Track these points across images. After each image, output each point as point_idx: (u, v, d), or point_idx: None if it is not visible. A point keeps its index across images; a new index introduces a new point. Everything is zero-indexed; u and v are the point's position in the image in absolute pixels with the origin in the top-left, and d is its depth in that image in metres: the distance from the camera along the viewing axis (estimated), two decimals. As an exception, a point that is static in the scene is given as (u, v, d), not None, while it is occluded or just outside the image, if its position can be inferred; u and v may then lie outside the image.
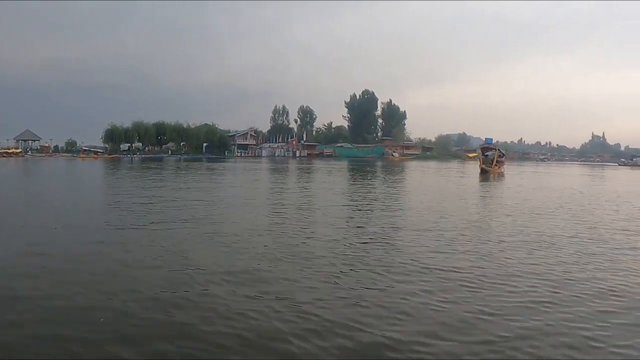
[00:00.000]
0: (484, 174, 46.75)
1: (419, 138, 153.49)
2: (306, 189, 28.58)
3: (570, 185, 36.08)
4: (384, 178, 41.30)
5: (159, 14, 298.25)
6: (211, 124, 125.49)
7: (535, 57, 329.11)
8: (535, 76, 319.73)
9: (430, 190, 28.58)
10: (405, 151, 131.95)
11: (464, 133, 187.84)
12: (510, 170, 60.82)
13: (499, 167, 51.48)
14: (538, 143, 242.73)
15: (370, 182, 34.82)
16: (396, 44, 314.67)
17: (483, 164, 50.69)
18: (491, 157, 51.46)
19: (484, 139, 63.17)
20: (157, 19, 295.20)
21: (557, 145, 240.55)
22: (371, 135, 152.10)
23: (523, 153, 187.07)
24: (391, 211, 18.00)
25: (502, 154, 55.90)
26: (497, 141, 78.68)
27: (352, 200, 22.11)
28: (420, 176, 46.12)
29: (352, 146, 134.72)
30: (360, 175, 44.28)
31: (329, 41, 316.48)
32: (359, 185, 31.58)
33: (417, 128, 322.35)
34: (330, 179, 38.25)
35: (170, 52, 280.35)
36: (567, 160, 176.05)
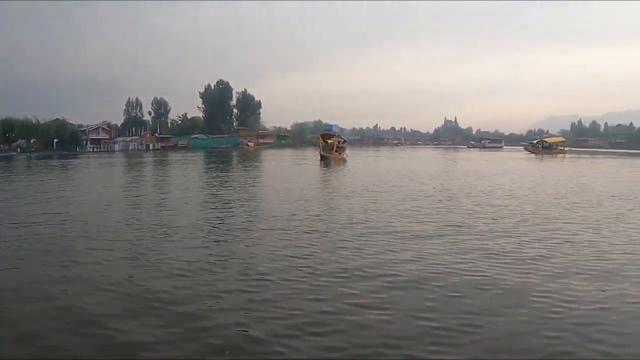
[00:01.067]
0: (325, 160, 47.82)
1: (275, 127, 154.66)
2: (157, 185, 27.62)
3: (396, 167, 38.53)
4: (227, 169, 41.21)
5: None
6: (62, 119, 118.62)
7: (392, 45, 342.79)
8: (390, 64, 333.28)
9: (266, 179, 29.29)
10: (260, 140, 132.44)
11: (320, 120, 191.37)
12: (357, 156, 63.03)
13: (339, 154, 52.82)
14: (393, 128, 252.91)
15: (210, 174, 34.73)
16: (255, 33, 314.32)
17: (323, 150, 51.40)
18: (331, 144, 52.53)
19: (325, 126, 64.35)
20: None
21: (412, 130, 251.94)
22: (227, 125, 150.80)
23: (378, 138, 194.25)
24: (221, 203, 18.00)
25: (342, 141, 57.67)
26: (342, 127, 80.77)
27: (200, 194, 21.92)
28: (263, 165, 46.92)
29: (207, 137, 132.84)
30: (205, 167, 44.17)
31: (189, 31, 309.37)
32: (204, 180, 31.22)
33: (276, 117, 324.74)
34: (178, 173, 37.33)
35: (17, 42, 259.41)
36: (421, 144, 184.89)
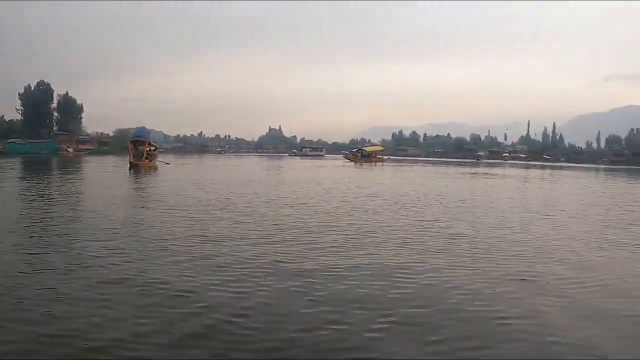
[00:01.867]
0: (134, 168, 45.48)
1: (97, 132, 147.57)
2: None
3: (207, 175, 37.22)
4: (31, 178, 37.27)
5: None
6: None
7: (218, 53, 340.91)
8: (217, 72, 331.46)
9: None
10: (81, 146, 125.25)
11: (144, 127, 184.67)
12: (181, 165, 61.01)
13: (150, 161, 50.74)
14: (217, 136, 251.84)
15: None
16: (81, 34, 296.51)
17: (133, 158, 49.03)
18: (141, 151, 50.33)
19: (136, 133, 61.68)
20: None
21: (236, 138, 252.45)
22: (47, 129, 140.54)
23: (202, 146, 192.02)
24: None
25: (154, 148, 55.58)
26: (167, 135, 77.92)
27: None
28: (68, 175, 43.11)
29: (25, 142, 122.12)
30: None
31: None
32: None
33: (101, 123, 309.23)
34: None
35: None
36: (244, 152, 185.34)
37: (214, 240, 11.41)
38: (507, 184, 37.65)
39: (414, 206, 19.39)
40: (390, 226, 14.24)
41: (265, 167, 62.89)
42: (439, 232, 13.31)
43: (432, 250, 10.91)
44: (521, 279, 8.62)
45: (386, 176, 45.16)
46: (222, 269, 8.85)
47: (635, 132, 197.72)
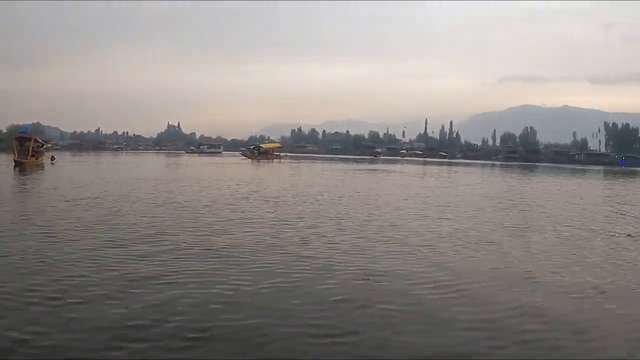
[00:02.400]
0: (20, 166, 42.94)
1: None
2: None
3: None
4: None
5: None
6: None
7: (121, 47, 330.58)
8: (118, 67, 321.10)
9: None
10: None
11: (39, 123, 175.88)
12: (77, 162, 58.38)
13: (36, 158, 48.26)
14: (115, 133, 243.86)
15: None
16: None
17: (18, 155, 46.40)
18: (27, 148, 47.63)
19: (20, 129, 58.44)
20: None
21: (134, 134, 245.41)
22: None
23: (99, 142, 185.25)
24: None
25: (40, 144, 52.76)
26: (63, 131, 74.39)
27: None
28: None
29: None
30: None
31: None
32: None
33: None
34: None
35: None
36: (142, 149, 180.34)
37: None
38: (392, 179, 38.35)
39: (284, 202, 19.31)
40: (249, 221, 14.43)
41: (157, 164, 61.27)
42: (294, 228, 13.35)
43: (272, 245, 10.93)
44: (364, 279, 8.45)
45: (274, 173, 45.12)
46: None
47: (529, 129, 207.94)
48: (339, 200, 20.87)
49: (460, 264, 9.73)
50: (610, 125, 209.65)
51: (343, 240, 11.72)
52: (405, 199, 22.29)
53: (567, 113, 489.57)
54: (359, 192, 24.95)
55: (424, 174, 51.45)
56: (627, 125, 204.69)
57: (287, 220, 14.65)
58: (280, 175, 41.48)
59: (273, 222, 14.30)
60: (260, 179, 35.40)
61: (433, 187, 31.15)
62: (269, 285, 7.82)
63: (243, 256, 9.77)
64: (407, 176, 44.85)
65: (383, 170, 56.04)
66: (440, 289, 7.91)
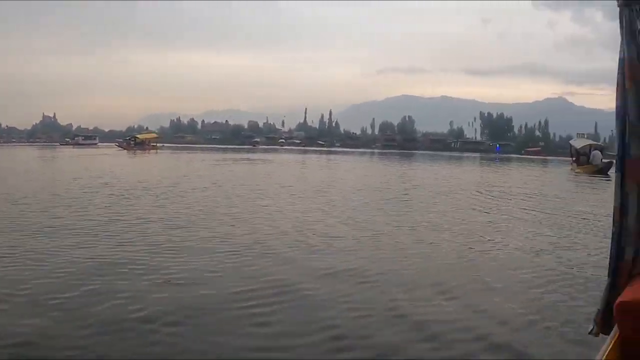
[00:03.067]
0: None
1: None
2: None
3: None
4: None
5: None
6: None
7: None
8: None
9: None
10: None
11: None
12: None
13: None
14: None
15: None
16: None
17: None
18: None
19: None
20: None
21: (7, 126, 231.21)
22: None
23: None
24: None
25: None
26: None
27: None
28: None
29: None
30: None
31: None
32: None
33: None
34: None
35: None
36: (15, 142, 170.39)
37: None
38: (258, 169, 38.27)
39: (128, 196, 18.60)
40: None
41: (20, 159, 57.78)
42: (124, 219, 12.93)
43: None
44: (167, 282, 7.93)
45: (142, 165, 44.10)
46: None
47: (407, 119, 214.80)
48: (196, 191, 20.41)
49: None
50: (486, 114, 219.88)
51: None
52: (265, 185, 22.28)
53: (444, 103, 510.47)
54: (216, 183, 24.66)
55: (287, 163, 52.02)
56: (502, 114, 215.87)
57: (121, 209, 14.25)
58: (143, 166, 40.49)
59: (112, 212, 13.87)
60: (120, 170, 34.27)
61: (289, 174, 31.44)
62: None
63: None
64: (272, 165, 45.20)
65: (259, 159, 56.04)
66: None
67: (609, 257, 2.73)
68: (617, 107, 2.63)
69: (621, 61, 2.57)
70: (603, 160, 39.52)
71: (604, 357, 2.07)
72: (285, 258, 9.19)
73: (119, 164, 43.88)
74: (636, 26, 2.51)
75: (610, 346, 2.18)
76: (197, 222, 12.90)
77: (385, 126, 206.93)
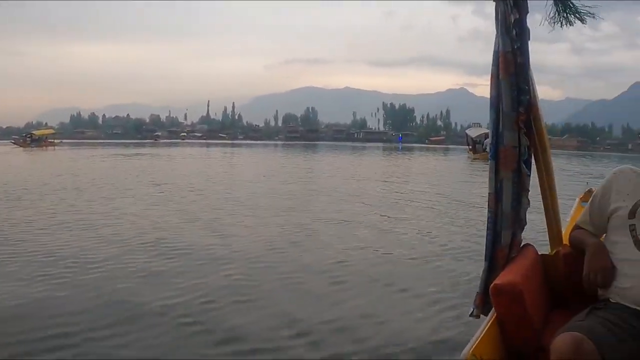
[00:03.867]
0: None
1: None
2: None
3: None
4: None
5: None
6: None
7: None
8: None
9: None
10: None
11: None
12: None
13: None
14: None
15: None
16: None
17: None
18: None
19: None
20: None
21: None
22: None
23: None
24: None
25: None
26: None
27: None
28: None
29: None
30: None
31: None
32: None
33: None
34: None
35: None
36: None
37: None
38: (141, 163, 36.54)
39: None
40: None
41: None
42: None
43: None
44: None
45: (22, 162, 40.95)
46: None
47: (310, 110, 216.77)
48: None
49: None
50: (388, 105, 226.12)
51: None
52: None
53: (348, 94, 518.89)
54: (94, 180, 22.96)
55: (186, 156, 50.51)
56: (404, 105, 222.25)
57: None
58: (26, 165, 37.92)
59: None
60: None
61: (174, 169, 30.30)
62: None
63: None
64: (165, 159, 43.56)
65: (154, 154, 53.83)
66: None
67: (485, 242, 2.81)
68: (491, 97, 2.76)
69: (495, 53, 2.70)
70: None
71: (481, 335, 2.15)
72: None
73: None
74: (510, 20, 2.63)
75: (488, 326, 2.29)
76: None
77: (289, 118, 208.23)
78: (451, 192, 18.35)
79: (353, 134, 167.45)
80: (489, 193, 2.79)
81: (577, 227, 2.71)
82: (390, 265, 8.00)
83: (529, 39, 2.73)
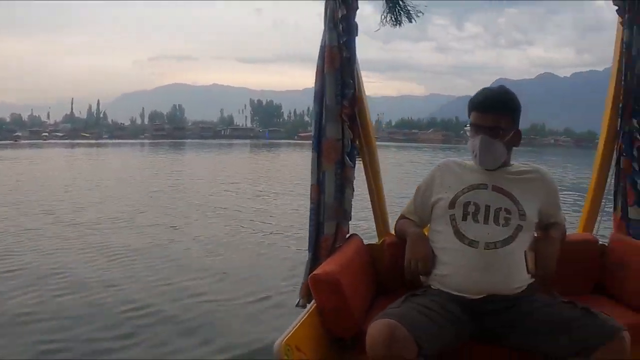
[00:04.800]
0: None
1: None
2: None
3: None
4: None
5: None
6: None
7: None
8: None
9: None
10: None
11: None
12: None
13: None
14: None
15: None
16: None
17: None
18: None
19: None
20: None
21: None
22: None
23: None
24: None
25: None
26: None
27: None
28: None
29: None
30: None
31: None
32: None
33: None
34: None
35: None
36: None
37: None
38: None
39: None
40: None
41: None
42: None
43: None
44: None
45: None
46: None
47: (177, 107, 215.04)
48: None
49: None
50: (256, 101, 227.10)
51: None
52: None
53: (216, 90, 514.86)
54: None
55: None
56: (272, 101, 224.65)
57: None
58: None
59: None
60: None
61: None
62: None
63: None
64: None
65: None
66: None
67: (308, 233, 2.84)
68: (315, 91, 2.79)
69: (322, 48, 2.74)
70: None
71: (297, 325, 2.18)
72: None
73: None
74: (338, 15, 2.69)
75: (306, 315, 2.31)
76: None
77: (155, 116, 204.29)
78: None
79: (220, 131, 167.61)
80: (311, 184, 2.83)
81: (402, 217, 2.76)
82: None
83: (357, 35, 2.82)
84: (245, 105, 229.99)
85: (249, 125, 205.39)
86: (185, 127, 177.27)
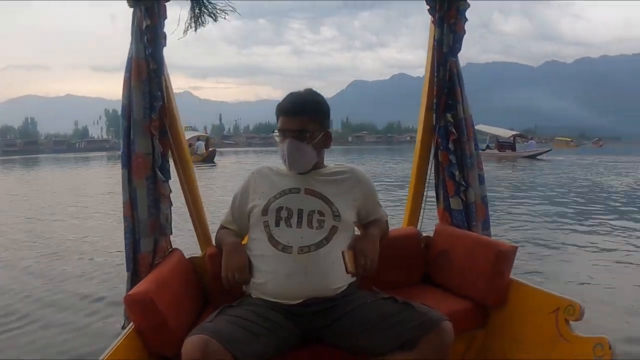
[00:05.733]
0: None
1: None
2: None
3: None
4: None
5: None
6: None
7: None
8: None
9: None
10: None
11: None
12: None
13: None
14: None
15: None
16: None
17: None
18: None
19: None
20: None
21: None
22: None
23: None
24: None
25: None
26: None
27: None
28: None
29: None
30: None
31: None
32: None
33: None
34: None
35: None
36: None
37: None
38: None
39: None
40: None
41: None
42: None
43: None
44: None
45: None
46: None
47: (29, 120, 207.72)
48: None
49: None
50: (111, 111, 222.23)
51: None
52: None
53: (70, 101, 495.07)
54: None
55: None
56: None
57: None
58: None
59: None
60: None
61: None
62: None
63: None
64: None
65: None
66: None
67: (125, 251, 2.70)
68: (123, 105, 2.63)
69: (129, 60, 2.61)
70: (209, 149, 44.06)
71: (115, 346, 2.03)
72: None
73: None
74: (142, 26, 2.57)
75: (124, 336, 2.17)
76: None
77: (6, 130, 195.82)
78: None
79: (75, 144, 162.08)
80: (123, 201, 2.69)
81: (222, 227, 2.69)
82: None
83: (165, 45, 2.71)
84: (100, 116, 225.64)
85: (104, 136, 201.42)
86: (37, 141, 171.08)
